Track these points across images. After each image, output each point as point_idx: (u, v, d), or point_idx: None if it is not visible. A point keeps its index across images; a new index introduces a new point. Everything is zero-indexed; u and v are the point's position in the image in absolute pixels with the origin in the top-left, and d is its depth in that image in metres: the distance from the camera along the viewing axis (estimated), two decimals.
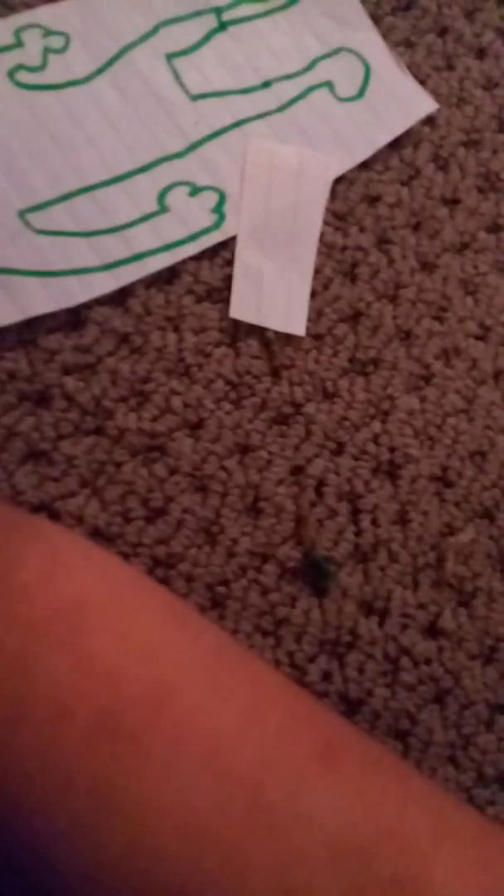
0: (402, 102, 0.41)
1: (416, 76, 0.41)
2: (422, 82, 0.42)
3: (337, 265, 0.38)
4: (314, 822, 0.23)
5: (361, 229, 0.39)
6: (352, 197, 0.39)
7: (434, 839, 0.24)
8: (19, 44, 0.37)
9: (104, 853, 0.23)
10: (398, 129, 0.41)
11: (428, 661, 0.34)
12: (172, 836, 0.23)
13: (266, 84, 0.39)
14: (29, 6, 0.38)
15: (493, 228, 0.41)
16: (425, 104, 0.41)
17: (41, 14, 0.37)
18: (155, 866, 0.22)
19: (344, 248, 0.38)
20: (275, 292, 0.36)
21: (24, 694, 0.23)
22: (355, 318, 0.38)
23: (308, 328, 0.37)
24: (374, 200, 0.40)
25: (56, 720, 0.23)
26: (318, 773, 0.24)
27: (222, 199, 0.37)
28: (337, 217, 0.39)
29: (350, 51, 0.41)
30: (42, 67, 0.37)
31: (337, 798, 0.24)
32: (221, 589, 0.33)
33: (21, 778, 0.23)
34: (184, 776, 0.23)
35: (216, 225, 0.36)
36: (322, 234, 0.38)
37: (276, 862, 0.22)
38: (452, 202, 0.41)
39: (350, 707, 0.33)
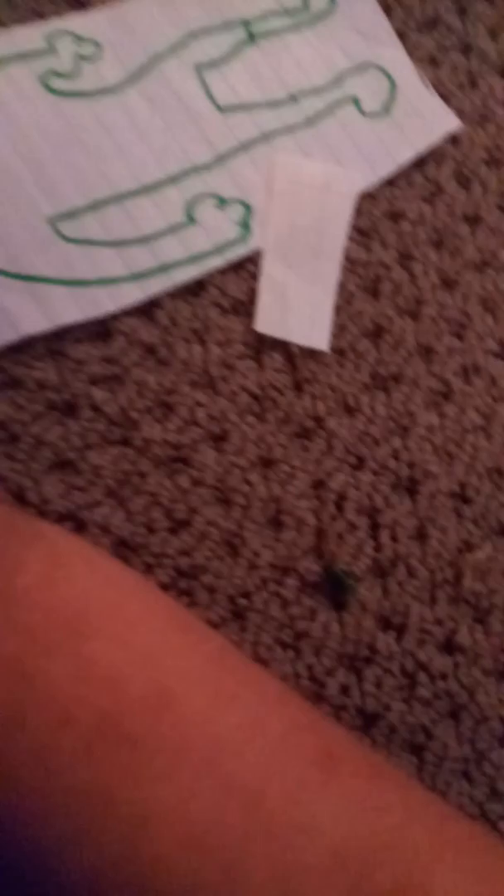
0: (427, 119, 0.41)
1: (440, 93, 0.42)
2: (446, 100, 0.42)
3: (360, 281, 0.38)
4: (315, 830, 0.23)
5: (384, 245, 0.39)
6: (375, 213, 0.39)
7: (434, 849, 0.24)
8: (52, 49, 0.37)
9: (104, 860, 0.23)
10: (422, 146, 0.41)
11: (444, 677, 0.34)
12: (172, 842, 0.23)
13: (293, 98, 0.40)
14: (59, 14, 0.38)
15: None
16: (449, 121, 0.42)
17: (73, 21, 0.37)
18: (154, 873, 0.23)
19: (367, 264, 0.39)
20: (299, 307, 0.37)
21: (24, 699, 0.23)
22: (377, 333, 0.38)
23: (331, 343, 0.37)
24: (397, 217, 0.40)
25: (56, 726, 0.23)
26: (320, 780, 0.24)
27: (249, 212, 0.37)
28: (360, 233, 0.39)
29: (376, 67, 0.42)
30: (74, 75, 0.37)
31: (338, 806, 0.24)
32: (243, 601, 0.33)
33: (20, 784, 0.23)
34: (184, 783, 0.23)
35: (242, 238, 0.37)
36: (346, 250, 0.38)
37: (275, 870, 0.23)
38: (474, 220, 0.41)
39: (367, 721, 0.33)
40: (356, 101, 0.41)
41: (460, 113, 0.42)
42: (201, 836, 0.23)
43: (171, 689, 0.24)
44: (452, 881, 0.23)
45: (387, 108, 0.41)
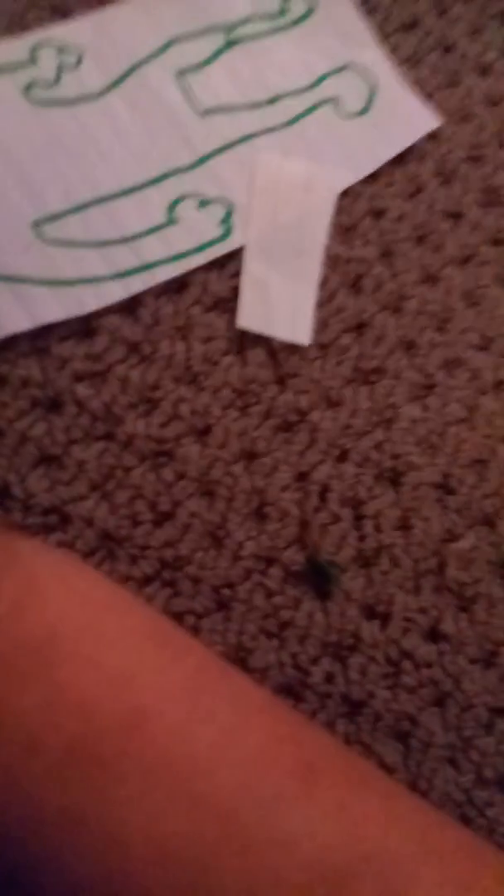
0: (407, 118, 0.42)
1: (420, 93, 0.42)
2: (427, 99, 0.43)
3: (342, 277, 0.39)
4: (290, 845, 0.23)
5: (366, 242, 0.40)
6: (357, 210, 0.40)
7: (417, 858, 0.24)
8: (33, 61, 0.38)
9: (78, 881, 0.23)
10: (403, 145, 0.41)
11: (429, 665, 0.35)
12: (144, 861, 0.23)
13: (273, 100, 0.40)
14: (43, 22, 0.39)
15: (495, 242, 0.42)
16: (429, 120, 0.42)
17: (55, 31, 0.38)
18: (127, 892, 0.23)
19: (349, 261, 0.39)
20: (281, 303, 0.37)
21: None
22: (359, 328, 0.38)
23: (313, 338, 0.37)
24: (378, 214, 0.41)
25: (25, 753, 0.23)
26: (297, 793, 0.24)
27: (230, 211, 0.38)
28: (342, 230, 0.40)
29: (356, 68, 0.42)
30: (55, 83, 0.38)
31: (316, 819, 0.24)
32: (227, 591, 0.33)
33: None
34: (157, 803, 0.23)
35: (224, 236, 0.37)
36: (327, 247, 0.39)
37: (248, 885, 0.23)
38: (455, 216, 0.42)
39: (352, 708, 0.33)
40: (336, 102, 0.41)
41: (440, 111, 0.43)
42: (174, 854, 0.23)
43: (145, 709, 0.25)
44: (435, 890, 0.23)
45: (366, 109, 0.42)
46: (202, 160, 0.38)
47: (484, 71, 0.44)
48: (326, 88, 0.42)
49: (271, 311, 0.37)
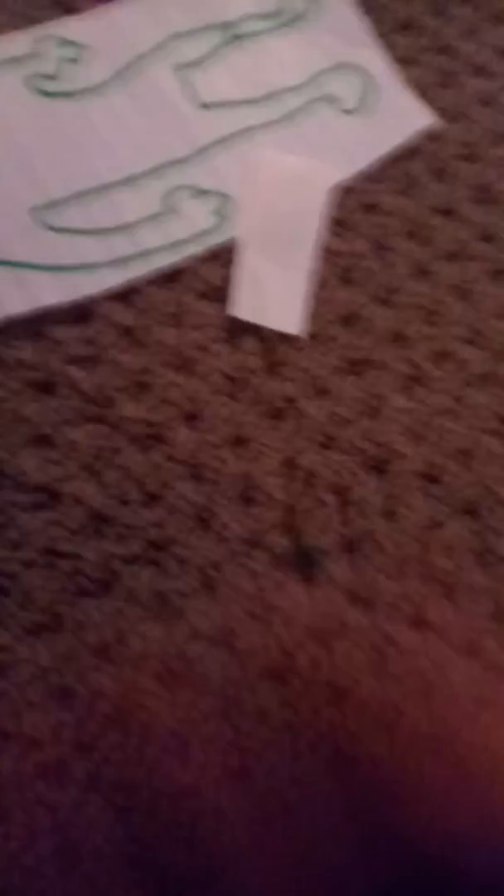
0: (402, 116, 0.43)
1: (416, 91, 0.43)
2: (423, 97, 0.43)
3: (334, 269, 0.40)
4: None
5: (358, 236, 0.41)
6: (350, 205, 0.41)
7: None
8: (37, 54, 0.39)
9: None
10: (398, 142, 0.42)
11: (414, 652, 0.35)
12: None
13: (271, 95, 0.41)
14: (50, 17, 0.40)
15: (486, 238, 0.42)
16: (424, 118, 0.43)
17: (59, 26, 0.39)
18: None
19: (341, 254, 0.40)
20: (273, 293, 0.38)
21: None
22: (349, 319, 0.39)
23: (304, 328, 0.38)
24: (371, 208, 0.41)
25: None
26: None
27: (225, 202, 0.39)
28: (336, 224, 0.40)
29: (353, 66, 0.43)
30: (60, 76, 0.39)
31: None
32: (213, 572, 0.34)
33: None
34: None
35: (218, 227, 0.38)
36: (322, 240, 0.40)
37: None
38: (447, 212, 0.42)
39: (336, 694, 0.34)
40: (332, 99, 0.42)
41: (435, 110, 0.43)
42: None
43: None
44: None
45: (363, 106, 0.43)
46: (200, 152, 0.39)
47: (478, 71, 0.45)
48: (323, 85, 0.42)
49: (263, 301, 0.38)
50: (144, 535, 0.34)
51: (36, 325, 0.35)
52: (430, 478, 0.38)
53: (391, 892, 0.31)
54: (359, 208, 0.41)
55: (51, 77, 0.39)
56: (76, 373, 0.35)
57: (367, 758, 0.33)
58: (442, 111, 0.44)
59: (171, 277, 0.37)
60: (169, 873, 0.30)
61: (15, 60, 0.39)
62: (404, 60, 0.44)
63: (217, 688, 0.33)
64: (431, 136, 0.43)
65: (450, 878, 0.31)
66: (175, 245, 0.37)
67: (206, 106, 0.40)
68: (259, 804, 0.31)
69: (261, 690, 0.33)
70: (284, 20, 0.43)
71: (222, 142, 0.40)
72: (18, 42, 0.39)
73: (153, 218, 0.37)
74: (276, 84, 0.42)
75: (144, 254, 0.37)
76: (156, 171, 0.38)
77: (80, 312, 0.36)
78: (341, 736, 0.33)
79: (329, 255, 0.40)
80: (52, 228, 0.36)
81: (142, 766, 0.31)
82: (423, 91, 0.44)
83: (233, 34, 0.42)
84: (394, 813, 0.33)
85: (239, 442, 0.36)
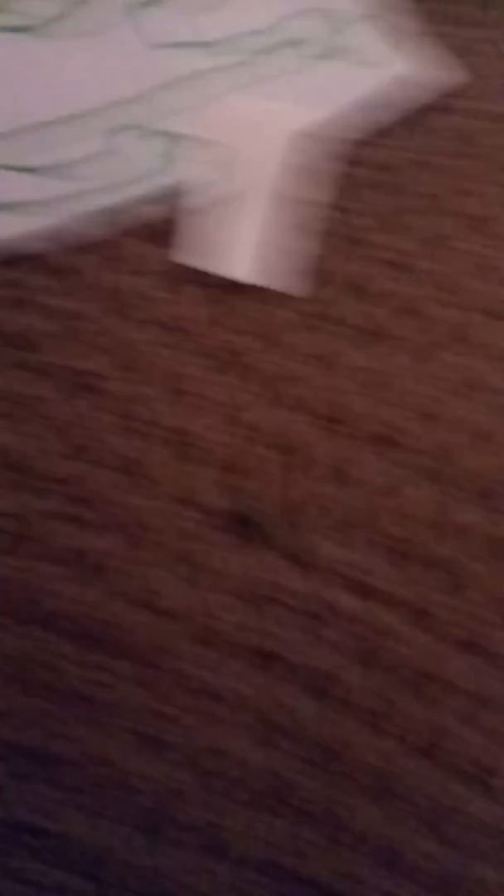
0: (373, 65, 0.40)
1: (390, 39, 0.41)
2: (394, 45, 0.41)
3: (293, 218, 0.37)
4: None
5: (321, 184, 0.38)
6: (313, 152, 0.38)
7: None
8: None
9: None
10: (364, 90, 0.40)
11: (353, 620, 0.32)
12: None
13: (231, 39, 0.39)
14: None
15: (460, 192, 0.40)
16: (397, 67, 0.41)
17: None
18: None
19: (301, 202, 0.37)
20: (224, 239, 0.36)
21: None
22: (307, 271, 0.37)
23: (255, 277, 0.36)
24: (337, 158, 0.39)
25: None
26: None
27: (173, 144, 0.36)
28: (297, 171, 0.38)
29: (323, 12, 0.41)
30: (4, 9, 0.37)
31: None
32: (138, 531, 0.32)
33: None
34: None
35: (164, 169, 0.36)
36: (279, 187, 0.37)
37: None
38: (420, 164, 0.40)
39: (264, 660, 0.31)
40: (298, 44, 0.40)
41: (411, 59, 0.41)
42: None
43: None
44: None
45: (330, 53, 0.40)
46: (149, 93, 0.37)
47: (457, 21, 0.42)
48: (289, 30, 0.40)
49: (213, 247, 0.35)
50: (64, 488, 0.32)
51: None
52: (388, 440, 0.35)
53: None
54: (323, 156, 0.39)
55: None
56: (1, 315, 0.33)
57: (295, 725, 0.30)
58: (415, 59, 0.41)
59: (110, 218, 0.35)
60: None
61: None
62: (376, 5, 0.42)
63: (134, 650, 0.30)
64: (401, 84, 0.41)
65: None
66: (116, 186, 0.35)
67: (157, 46, 0.38)
68: (174, 771, 0.29)
69: (183, 654, 0.30)
70: None
71: (175, 84, 0.38)
72: None
73: (93, 158, 0.35)
74: (236, 27, 0.39)
75: (81, 194, 0.35)
76: (100, 110, 0.36)
77: (8, 253, 0.33)
78: (265, 702, 0.30)
79: (288, 203, 0.37)
80: None
81: (44, 730, 0.28)
82: (397, 39, 0.41)
83: None
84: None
85: (177, 394, 0.34)
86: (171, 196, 0.36)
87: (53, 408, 0.32)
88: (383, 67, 0.40)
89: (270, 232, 0.37)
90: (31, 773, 0.28)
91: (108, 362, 0.33)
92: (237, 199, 0.36)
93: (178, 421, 0.33)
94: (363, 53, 0.40)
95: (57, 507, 0.31)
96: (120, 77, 0.37)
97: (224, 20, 0.39)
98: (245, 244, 0.36)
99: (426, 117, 0.41)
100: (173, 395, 0.34)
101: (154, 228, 0.35)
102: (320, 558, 0.33)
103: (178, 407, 0.34)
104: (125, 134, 0.36)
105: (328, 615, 0.32)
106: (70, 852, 0.28)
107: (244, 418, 0.34)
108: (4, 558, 0.30)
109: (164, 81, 0.37)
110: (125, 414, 0.33)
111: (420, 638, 0.32)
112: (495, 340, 0.37)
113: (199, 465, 0.33)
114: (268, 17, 0.40)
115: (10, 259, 0.33)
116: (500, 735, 0.30)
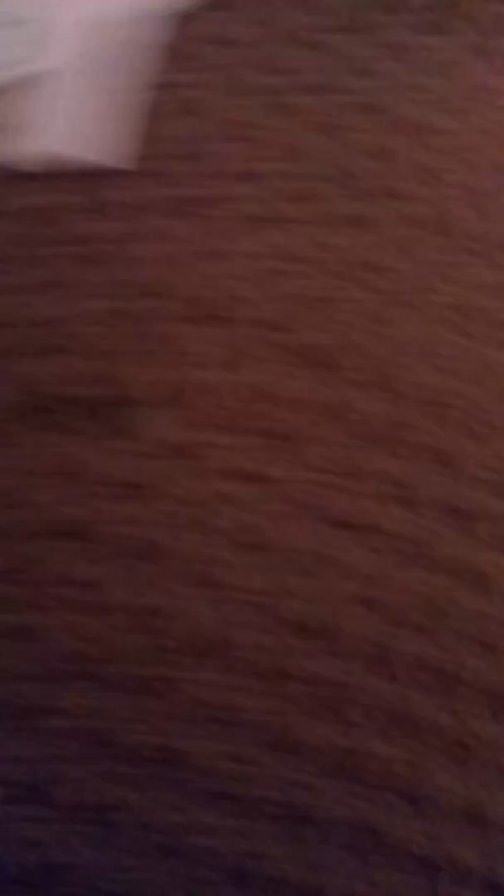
0: None
1: None
2: None
3: (173, 102, 0.35)
4: None
5: (205, 67, 0.36)
6: (194, 34, 0.36)
7: None
8: None
9: None
10: None
11: (243, 507, 0.31)
12: None
13: None
14: None
15: (357, 73, 0.37)
16: None
17: None
18: None
19: (180, 85, 0.36)
20: (94, 125, 0.34)
21: None
22: (190, 155, 0.35)
23: (137, 164, 0.34)
24: (223, 42, 0.37)
25: None
26: None
27: (43, 32, 0.34)
28: (179, 56, 0.36)
29: None
30: None
31: None
32: (6, 426, 0.30)
33: None
34: None
35: (34, 56, 0.34)
36: (159, 71, 0.35)
37: None
38: (311, 45, 0.38)
39: (139, 556, 0.30)
40: None
41: None
42: None
43: None
44: None
45: None
46: None
47: None
48: None
49: (82, 134, 0.34)
50: None
51: None
52: (280, 327, 0.33)
53: None
54: (209, 41, 0.37)
55: None
56: None
57: (183, 614, 0.29)
58: None
59: None
60: None
61: None
62: None
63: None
64: None
65: None
66: None
67: None
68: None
69: (55, 549, 0.29)
70: None
71: None
72: None
73: None
74: None
75: None
76: None
77: None
78: (149, 594, 0.29)
79: (168, 87, 0.35)
80: None
81: None
82: None
83: None
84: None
85: (53, 286, 0.32)
86: (43, 85, 0.34)
87: None
88: None
89: (146, 117, 0.35)
90: None
91: None
92: (106, 84, 0.34)
93: (50, 313, 0.32)
94: None
95: None
96: None
97: None
98: (115, 130, 0.34)
99: None
100: (49, 288, 0.32)
101: (24, 118, 0.33)
102: (209, 447, 0.31)
103: (51, 299, 0.32)
104: None
105: (218, 504, 0.30)
106: None
107: (129, 311, 0.32)
108: None
109: None
110: None
111: (317, 525, 0.30)
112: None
113: (76, 356, 0.31)
114: None
115: None
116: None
